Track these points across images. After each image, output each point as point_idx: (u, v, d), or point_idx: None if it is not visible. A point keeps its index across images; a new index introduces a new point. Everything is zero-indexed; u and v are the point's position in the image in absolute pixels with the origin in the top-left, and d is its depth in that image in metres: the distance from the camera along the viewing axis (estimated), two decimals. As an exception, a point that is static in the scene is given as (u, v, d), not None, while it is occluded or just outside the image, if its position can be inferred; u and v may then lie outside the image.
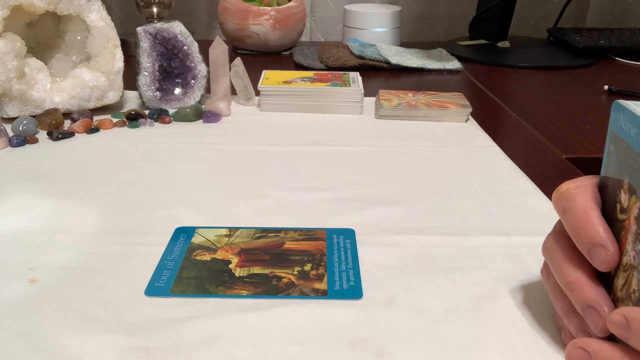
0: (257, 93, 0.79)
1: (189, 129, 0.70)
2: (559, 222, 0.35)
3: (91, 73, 0.72)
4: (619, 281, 0.31)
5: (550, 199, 0.40)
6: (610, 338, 0.30)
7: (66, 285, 0.40)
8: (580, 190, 0.33)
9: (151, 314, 0.37)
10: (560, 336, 0.35)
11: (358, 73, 0.83)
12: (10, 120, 0.68)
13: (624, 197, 0.31)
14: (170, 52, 0.75)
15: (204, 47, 0.76)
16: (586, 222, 0.31)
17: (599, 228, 0.31)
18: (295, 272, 0.42)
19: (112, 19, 0.73)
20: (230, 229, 0.48)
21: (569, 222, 0.32)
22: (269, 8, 1.03)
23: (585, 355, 0.30)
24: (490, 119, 0.77)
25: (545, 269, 0.36)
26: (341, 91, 0.76)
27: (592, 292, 0.31)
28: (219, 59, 0.74)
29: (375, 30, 1.09)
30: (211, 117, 0.72)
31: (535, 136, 0.71)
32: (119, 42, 0.73)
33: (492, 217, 0.50)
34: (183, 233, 0.47)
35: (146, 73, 0.74)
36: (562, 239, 0.34)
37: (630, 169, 0.30)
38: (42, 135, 0.67)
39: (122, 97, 0.75)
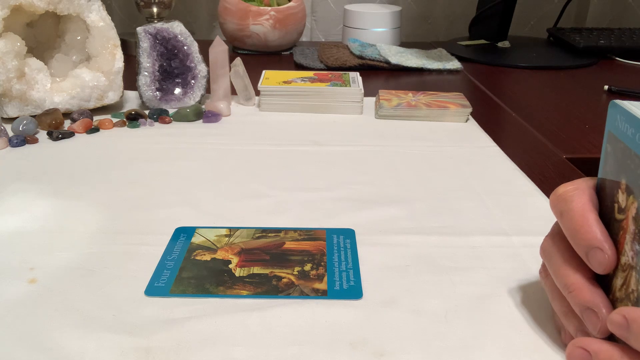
0: (257, 93, 0.79)
1: (189, 129, 0.70)
2: (557, 223, 0.35)
3: (91, 73, 0.72)
4: (618, 281, 0.31)
5: (550, 199, 0.40)
6: (610, 338, 0.31)
7: (66, 285, 0.40)
8: (578, 193, 0.33)
9: (151, 314, 0.37)
10: (560, 336, 0.36)
11: (358, 73, 0.83)
12: (10, 120, 0.68)
13: (621, 197, 0.31)
14: (170, 52, 0.75)
15: (204, 47, 0.76)
16: (583, 224, 0.31)
17: (596, 231, 0.31)
18: (295, 272, 0.42)
19: (112, 19, 0.73)
20: (230, 229, 0.48)
21: (567, 225, 0.32)
22: (269, 8, 1.03)
23: (586, 354, 0.30)
24: (490, 119, 0.77)
25: (544, 270, 0.36)
26: (341, 91, 0.76)
27: (589, 294, 0.31)
28: (219, 59, 0.74)
29: (375, 30, 1.09)
30: (211, 117, 0.72)
31: (535, 136, 0.71)
32: (119, 42, 0.73)
33: (492, 217, 0.50)
34: (183, 233, 0.47)
35: (146, 73, 0.74)
36: (560, 241, 0.34)
37: (628, 169, 0.30)
38: (42, 135, 0.67)
39: (122, 97, 0.75)
